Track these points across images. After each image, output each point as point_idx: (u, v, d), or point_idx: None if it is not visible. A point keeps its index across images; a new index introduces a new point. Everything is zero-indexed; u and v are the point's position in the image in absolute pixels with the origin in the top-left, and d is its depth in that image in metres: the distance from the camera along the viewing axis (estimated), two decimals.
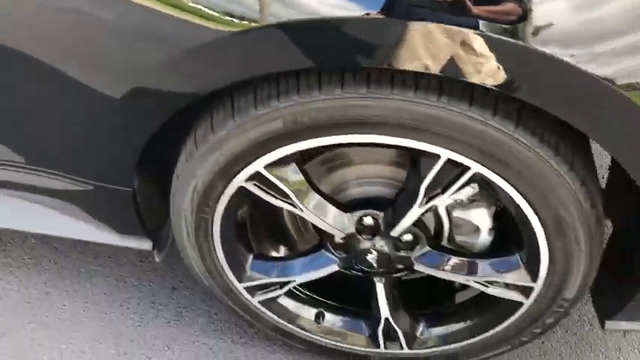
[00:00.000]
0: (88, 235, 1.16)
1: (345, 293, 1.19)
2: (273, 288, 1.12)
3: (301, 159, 0.96)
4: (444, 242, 1.06)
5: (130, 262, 1.38)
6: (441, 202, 0.96)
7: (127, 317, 1.29)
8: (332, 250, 1.06)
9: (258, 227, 1.12)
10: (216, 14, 0.75)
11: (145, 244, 1.17)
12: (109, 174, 1.01)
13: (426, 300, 1.21)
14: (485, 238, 1.03)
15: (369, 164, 1.04)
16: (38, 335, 1.25)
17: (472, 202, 1.00)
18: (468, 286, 1.10)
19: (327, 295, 1.20)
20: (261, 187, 0.95)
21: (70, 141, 0.98)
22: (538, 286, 0.99)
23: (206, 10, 0.76)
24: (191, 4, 0.76)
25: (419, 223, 1.01)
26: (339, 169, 1.06)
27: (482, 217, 1.01)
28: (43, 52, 0.85)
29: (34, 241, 1.40)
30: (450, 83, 0.79)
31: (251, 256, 1.11)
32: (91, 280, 1.35)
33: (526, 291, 1.01)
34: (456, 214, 1.02)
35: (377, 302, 1.11)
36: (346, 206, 1.01)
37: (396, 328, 1.13)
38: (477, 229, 1.03)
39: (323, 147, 0.90)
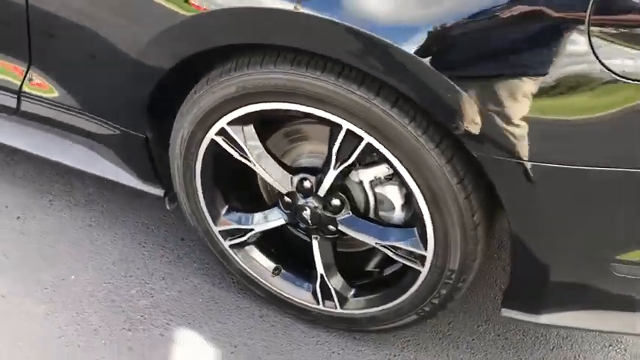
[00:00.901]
0: (116, 175, 1.53)
1: (298, 254, 1.47)
2: (239, 235, 1.43)
3: (264, 126, 1.28)
4: (372, 214, 1.31)
5: (156, 215, 1.75)
6: (361, 175, 1.24)
7: (139, 252, 1.65)
8: (281, 207, 1.36)
9: (235, 182, 1.44)
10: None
11: (158, 191, 1.53)
12: (126, 119, 1.38)
13: (361, 271, 1.46)
14: (399, 214, 1.28)
15: (317, 140, 1.33)
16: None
17: (388, 180, 1.26)
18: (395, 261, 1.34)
19: (285, 254, 1.49)
20: (227, 142, 1.28)
21: (98, 85, 1.37)
22: (429, 254, 1.21)
23: None
24: None
25: (347, 193, 1.28)
26: (297, 142, 1.36)
27: (395, 195, 1.26)
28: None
29: (92, 189, 1.82)
30: (347, 68, 1.08)
31: (226, 206, 1.43)
32: (124, 223, 1.73)
33: (422, 259, 1.24)
34: (376, 190, 1.28)
35: (314, 259, 1.38)
36: (292, 170, 1.32)
37: (330, 286, 1.39)
38: (393, 206, 1.28)
39: (284, 120, 1.21)
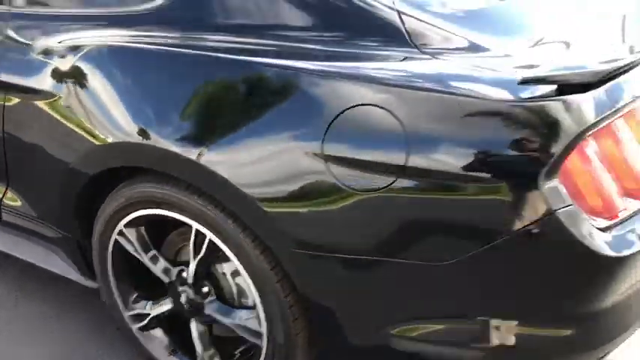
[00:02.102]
0: (67, 273, 1.94)
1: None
2: (141, 319, 1.77)
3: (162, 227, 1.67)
4: (237, 301, 1.64)
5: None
6: (224, 267, 1.59)
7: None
8: (170, 294, 1.71)
9: (140, 273, 1.80)
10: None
11: (96, 285, 1.92)
12: (63, 224, 1.81)
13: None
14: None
15: None
16: None
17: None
18: None
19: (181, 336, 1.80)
20: (125, 239, 1.68)
21: (43, 197, 1.81)
22: (263, 329, 1.52)
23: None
24: None
25: (217, 282, 1.63)
26: (186, 241, 1.73)
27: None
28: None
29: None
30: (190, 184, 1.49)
31: (135, 294, 1.79)
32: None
33: (260, 336, 1.54)
34: (236, 280, 1.62)
35: (193, 340, 1.70)
36: (174, 263, 1.69)
37: None
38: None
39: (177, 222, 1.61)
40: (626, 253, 1.23)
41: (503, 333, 1.29)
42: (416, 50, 1.35)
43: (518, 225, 1.20)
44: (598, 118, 1.20)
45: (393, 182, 1.25)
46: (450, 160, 1.22)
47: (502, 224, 1.21)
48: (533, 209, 1.19)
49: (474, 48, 1.35)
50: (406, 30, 1.37)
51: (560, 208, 1.18)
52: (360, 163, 1.27)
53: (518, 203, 1.20)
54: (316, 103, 1.32)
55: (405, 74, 1.30)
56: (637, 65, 1.23)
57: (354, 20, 1.42)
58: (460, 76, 1.26)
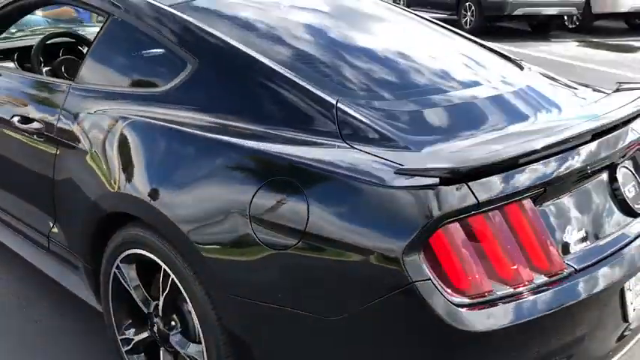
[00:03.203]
0: (88, 299, 2.34)
1: None
2: (128, 342, 2.11)
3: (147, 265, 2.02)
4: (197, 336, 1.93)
5: None
6: (187, 305, 1.90)
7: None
8: (148, 323, 2.04)
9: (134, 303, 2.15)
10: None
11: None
12: (85, 255, 2.22)
13: None
14: None
15: None
16: None
17: None
18: None
19: None
20: (121, 273, 2.04)
21: (73, 230, 2.24)
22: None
23: None
24: None
25: (183, 317, 1.94)
26: None
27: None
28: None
29: None
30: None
31: (130, 321, 2.13)
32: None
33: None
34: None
35: None
36: (153, 297, 2.02)
37: None
38: None
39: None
40: (480, 329, 1.39)
41: None
42: (340, 140, 1.64)
43: (383, 291, 1.41)
44: (461, 207, 1.40)
45: (297, 243, 1.52)
46: (338, 230, 1.47)
47: (372, 289, 1.43)
48: (396, 279, 1.40)
49: (387, 140, 1.61)
50: (338, 123, 1.67)
51: (417, 281, 1.38)
52: (274, 225, 1.56)
53: (386, 272, 1.42)
54: (251, 173, 1.65)
55: (321, 159, 1.59)
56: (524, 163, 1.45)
57: (304, 114, 1.75)
58: (358, 163, 1.53)
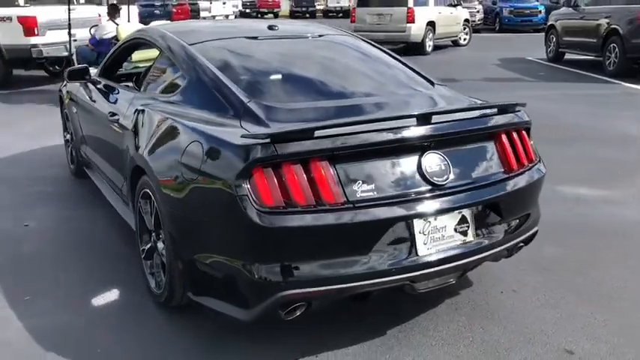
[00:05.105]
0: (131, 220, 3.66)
1: None
2: (143, 252, 3.36)
3: None
4: None
5: None
6: None
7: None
8: (151, 238, 3.26)
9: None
10: None
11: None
12: (130, 197, 3.54)
13: None
14: None
15: None
16: None
17: None
18: None
19: None
20: (141, 204, 3.31)
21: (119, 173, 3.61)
22: (165, 259, 2.98)
23: None
24: None
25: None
26: None
27: None
28: None
29: None
30: None
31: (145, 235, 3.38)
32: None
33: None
34: None
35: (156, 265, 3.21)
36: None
37: None
38: None
39: None
40: (268, 226, 2.39)
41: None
42: (239, 124, 2.75)
43: (225, 199, 2.50)
44: (267, 156, 2.43)
45: (197, 177, 2.66)
46: (211, 168, 2.61)
47: (222, 198, 2.52)
48: (230, 194, 2.47)
49: (261, 123, 2.70)
50: (242, 115, 2.79)
51: (239, 195, 2.43)
52: (190, 167, 2.72)
53: (226, 189, 2.49)
54: (188, 139, 2.84)
55: (218, 134, 2.70)
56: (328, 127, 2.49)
57: (230, 108, 2.90)
58: (231, 134, 2.63)
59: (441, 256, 2.65)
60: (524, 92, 9.64)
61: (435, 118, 2.70)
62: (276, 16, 37.79)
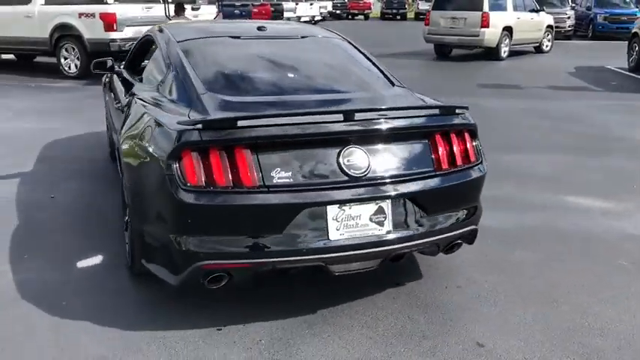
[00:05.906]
0: None
1: None
2: (124, 224, 3.78)
3: None
4: None
5: None
6: None
7: None
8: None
9: None
10: None
11: None
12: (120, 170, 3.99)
13: None
14: None
15: None
16: None
17: None
18: None
19: None
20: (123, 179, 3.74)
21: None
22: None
23: None
24: None
25: None
26: None
27: None
28: None
29: None
30: None
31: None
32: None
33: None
34: None
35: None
36: None
37: None
38: None
39: None
40: (191, 202, 2.72)
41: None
42: (188, 111, 3.11)
43: (159, 176, 2.85)
44: (193, 140, 2.75)
45: (145, 156, 3.04)
46: (154, 148, 2.97)
47: (157, 173, 2.87)
48: (162, 171, 2.81)
49: (205, 112, 3.03)
50: (196, 101, 3.15)
51: (167, 174, 2.78)
52: (143, 148, 3.10)
53: (160, 166, 2.84)
54: (151, 122, 3.21)
55: (169, 119, 3.06)
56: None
57: (189, 97, 3.25)
58: (176, 120, 2.97)
59: (354, 242, 2.86)
60: (582, 101, 9.36)
61: (360, 116, 2.92)
62: (366, 17, 38.05)
